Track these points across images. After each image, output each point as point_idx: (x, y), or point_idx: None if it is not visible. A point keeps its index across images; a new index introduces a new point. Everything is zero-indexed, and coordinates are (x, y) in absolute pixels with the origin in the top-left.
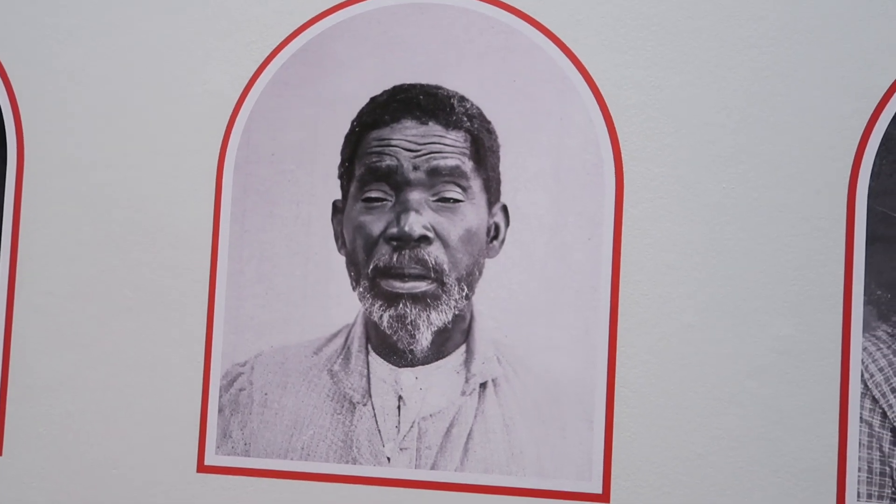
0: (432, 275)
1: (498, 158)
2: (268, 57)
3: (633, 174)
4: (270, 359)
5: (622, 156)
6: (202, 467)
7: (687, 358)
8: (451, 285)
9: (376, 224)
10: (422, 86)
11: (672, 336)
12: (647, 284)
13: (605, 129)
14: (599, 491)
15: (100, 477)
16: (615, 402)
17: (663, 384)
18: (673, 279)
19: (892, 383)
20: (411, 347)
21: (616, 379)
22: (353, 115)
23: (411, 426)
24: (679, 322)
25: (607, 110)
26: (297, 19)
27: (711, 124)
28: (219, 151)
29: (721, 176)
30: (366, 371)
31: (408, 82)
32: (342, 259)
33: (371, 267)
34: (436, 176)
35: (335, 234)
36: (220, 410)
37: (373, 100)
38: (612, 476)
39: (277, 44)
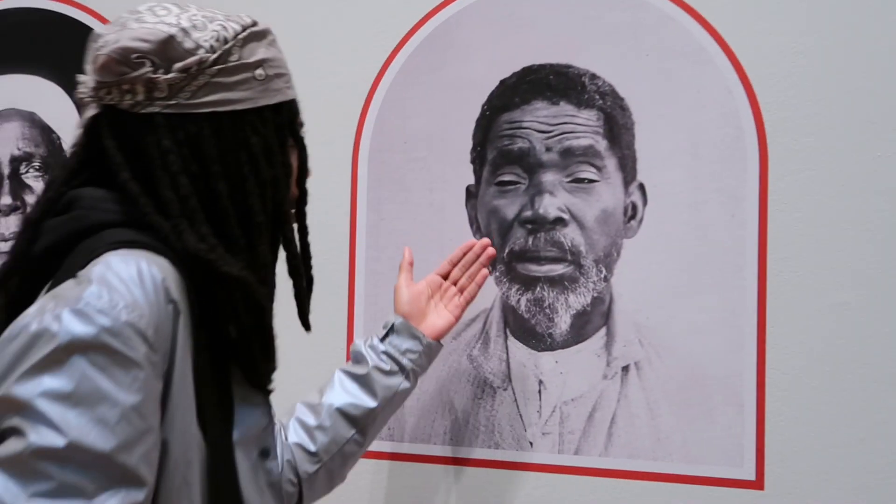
0: (569, 257)
1: (633, 136)
2: (397, 46)
3: (777, 146)
4: None
5: (765, 127)
6: None
7: (843, 338)
8: (588, 267)
9: (510, 208)
10: (551, 66)
11: (825, 315)
12: (795, 261)
13: (746, 99)
14: (752, 477)
15: None
16: (766, 386)
17: (818, 366)
18: (824, 255)
19: None
20: (550, 331)
21: (767, 361)
22: (484, 99)
23: (553, 411)
24: (832, 300)
25: (747, 80)
26: (423, 6)
27: (860, 90)
28: (353, 142)
29: (873, 144)
30: (505, 356)
31: (537, 63)
32: None
33: (507, 251)
34: (569, 156)
35: (469, 219)
36: None
37: (502, 82)
38: (766, 462)
39: (405, 32)
